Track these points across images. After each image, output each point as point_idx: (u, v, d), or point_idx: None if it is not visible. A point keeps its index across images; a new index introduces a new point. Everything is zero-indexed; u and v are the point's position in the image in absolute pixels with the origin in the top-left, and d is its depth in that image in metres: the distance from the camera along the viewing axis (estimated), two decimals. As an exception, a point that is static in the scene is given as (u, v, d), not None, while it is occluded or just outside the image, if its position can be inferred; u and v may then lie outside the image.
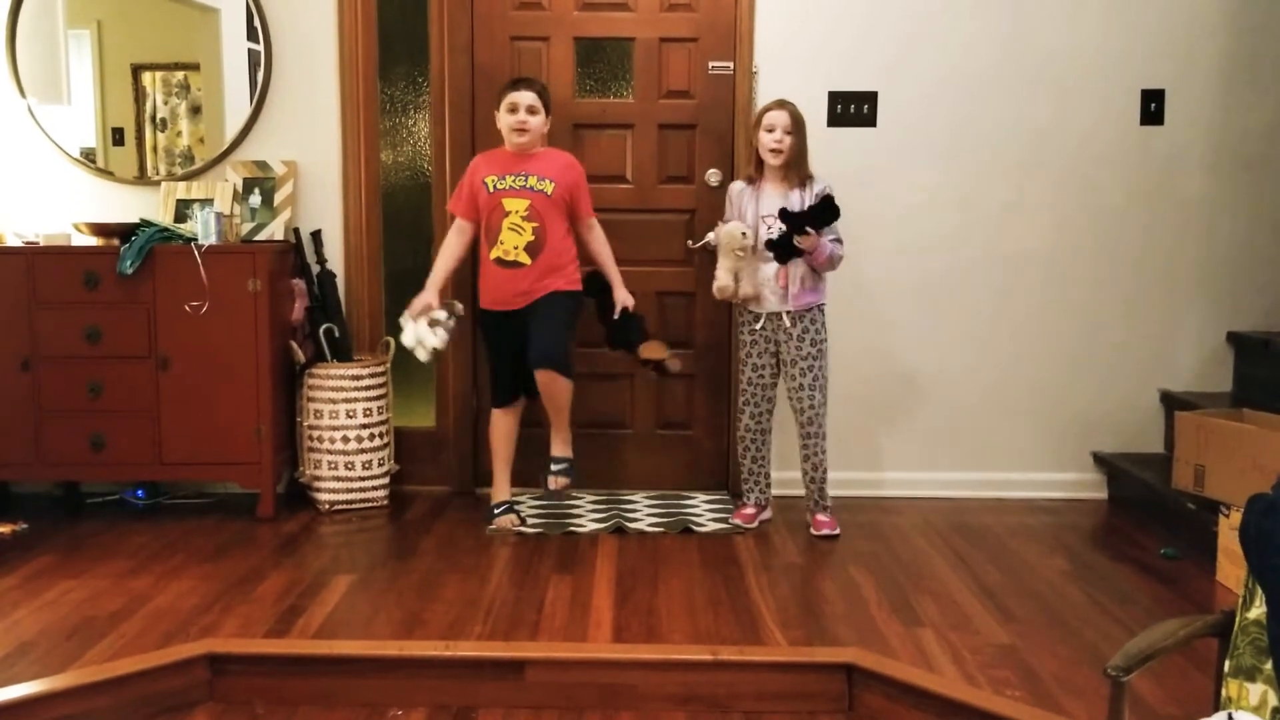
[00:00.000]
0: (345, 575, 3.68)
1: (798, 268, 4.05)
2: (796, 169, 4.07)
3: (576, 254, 4.18)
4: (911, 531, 4.22)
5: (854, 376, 4.65)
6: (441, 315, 4.08)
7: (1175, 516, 4.11)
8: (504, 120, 4.08)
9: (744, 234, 4.03)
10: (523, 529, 4.19)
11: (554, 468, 4.22)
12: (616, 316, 4.22)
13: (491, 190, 4.08)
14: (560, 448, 4.22)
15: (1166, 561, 3.88)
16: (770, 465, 4.33)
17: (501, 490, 4.31)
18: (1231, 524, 3.51)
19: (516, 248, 4.06)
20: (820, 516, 4.19)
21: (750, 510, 4.29)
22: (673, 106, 4.63)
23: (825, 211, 3.95)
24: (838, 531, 4.13)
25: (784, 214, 3.98)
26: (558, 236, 4.09)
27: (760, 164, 4.11)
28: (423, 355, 4.06)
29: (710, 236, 4.28)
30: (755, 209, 4.10)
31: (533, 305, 4.07)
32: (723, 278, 4.09)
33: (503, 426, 4.30)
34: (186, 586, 3.55)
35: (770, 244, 4.02)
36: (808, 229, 3.94)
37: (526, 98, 4.04)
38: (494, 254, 4.08)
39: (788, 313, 4.09)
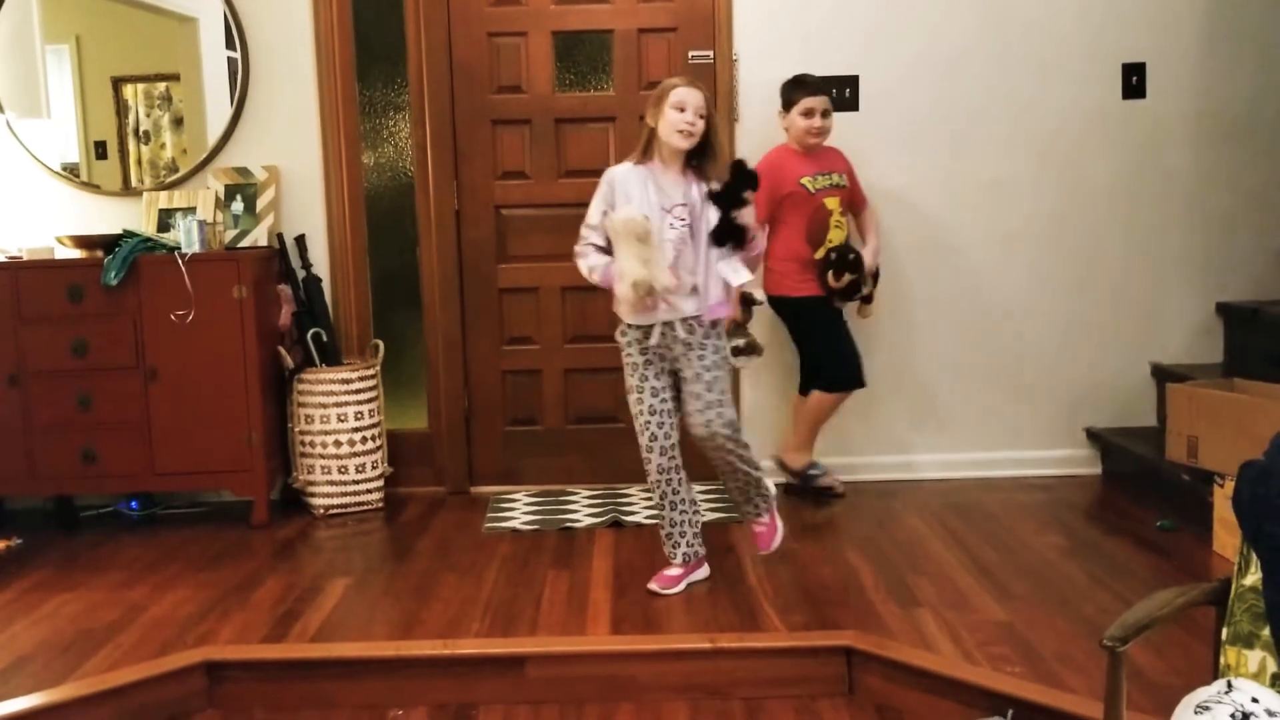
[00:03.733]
0: (341, 578, 3.67)
1: (714, 267, 3.39)
2: (703, 163, 3.38)
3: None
4: (906, 513, 4.22)
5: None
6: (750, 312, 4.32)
7: (1170, 489, 4.12)
8: (798, 123, 4.23)
9: (645, 215, 3.28)
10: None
11: (813, 472, 4.51)
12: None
13: (813, 191, 4.24)
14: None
15: (1163, 534, 3.88)
16: (698, 507, 3.59)
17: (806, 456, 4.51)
18: (1226, 494, 3.51)
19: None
20: (759, 522, 3.61)
21: (677, 572, 3.50)
22: (653, 98, 4.61)
23: (746, 175, 3.36)
24: (777, 541, 3.61)
25: (713, 195, 3.34)
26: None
27: (650, 148, 3.38)
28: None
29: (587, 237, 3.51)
30: (653, 199, 3.35)
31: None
32: (635, 269, 3.24)
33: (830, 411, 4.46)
34: (183, 595, 3.54)
35: (716, 234, 3.35)
36: (745, 195, 3.34)
37: (823, 102, 4.23)
38: (821, 254, 4.26)
39: (684, 320, 3.37)
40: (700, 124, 3.32)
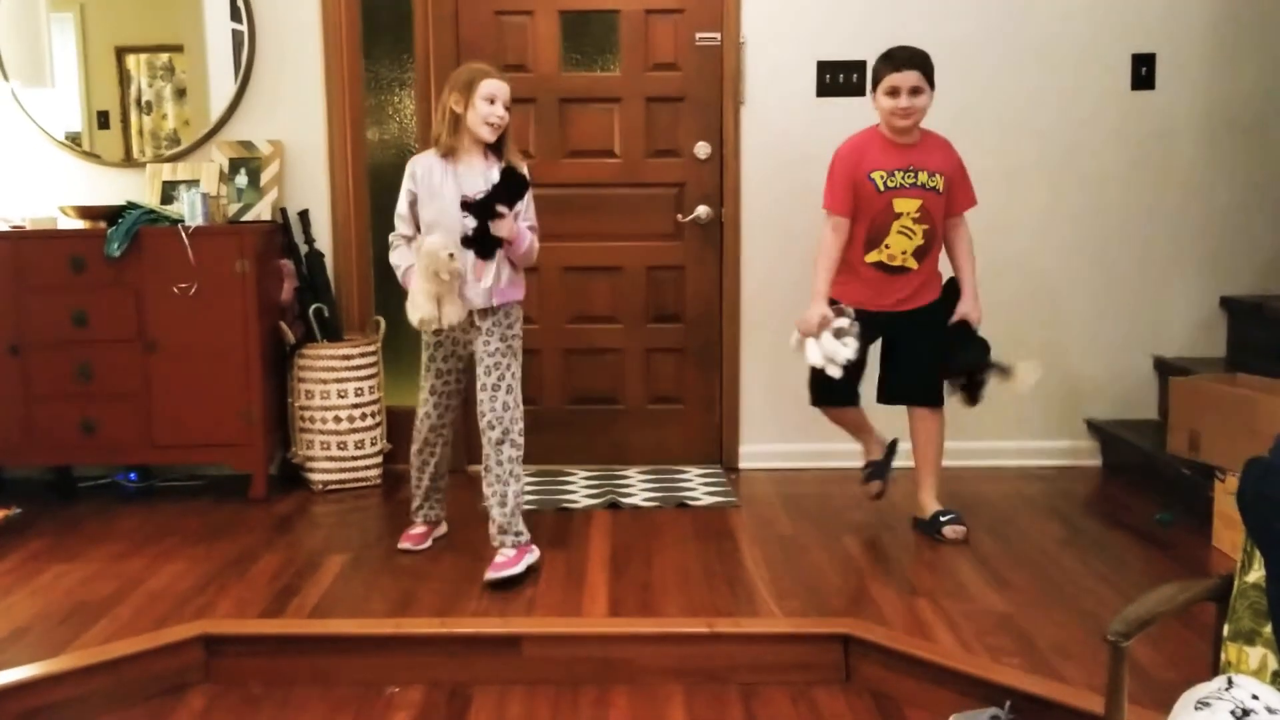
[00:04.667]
0: (339, 554, 3.67)
1: (496, 261, 3.41)
2: (503, 147, 3.43)
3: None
4: (905, 501, 4.20)
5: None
6: (844, 323, 3.62)
7: (1170, 482, 4.11)
8: (883, 104, 3.61)
9: (450, 254, 3.29)
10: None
11: (943, 519, 3.76)
12: (951, 322, 3.74)
13: (882, 189, 3.62)
14: (934, 500, 3.82)
15: (1162, 527, 3.88)
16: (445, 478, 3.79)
17: (874, 450, 4.02)
18: (1227, 488, 3.51)
19: (905, 253, 3.66)
20: (502, 554, 3.43)
21: (421, 530, 3.75)
22: (660, 79, 4.59)
23: (512, 184, 3.36)
24: (515, 570, 3.37)
25: (466, 204, 3.34)
26: (941, 237, 3.72)
27: (457, 134, 3.38)
28: (836, 371, 3.62)
29: (399, 260, 3.53)
30: (454, 190, 3.37)
31: (910, 315, 3.73)
32: (424, 305, 3.33)
33: (852, 417, 3.93)
34: (180, 568, 3.54)
35: (466, 241, 3.35)
36: (499, 209, 3.33)
37: (911, 78, 3.52)
38: (873, 258, 3.68)
39: (480, 310, 3.44)
40: (507, 117, 3.37)
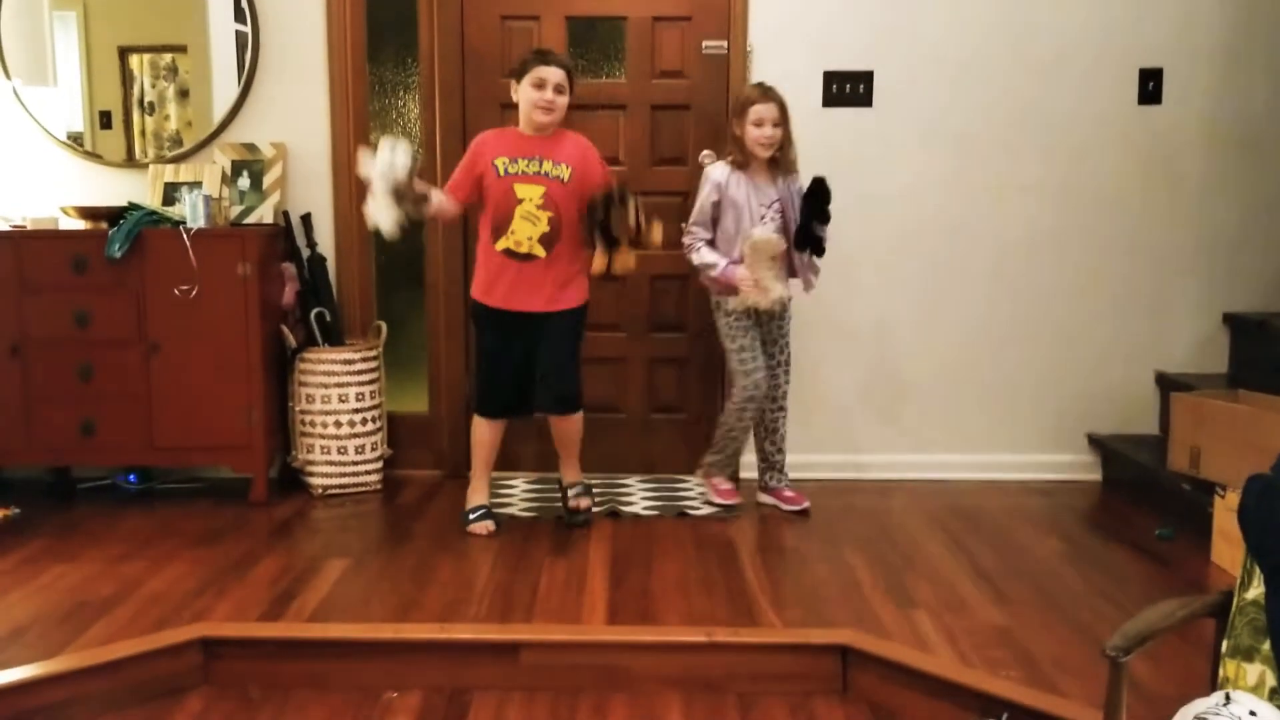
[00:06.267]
0: (339, 559, 3.66)
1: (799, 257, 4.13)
2: (784, 157, 4.05)
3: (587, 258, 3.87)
4: (905, 514, 4.21)
5: (847, 358, 4.64)
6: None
7: (1170, 498, 4.11)
8: (527, 95, 3.76)
9: (779, 240, 4.02)
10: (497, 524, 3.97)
11: (571, 491, 4.11)
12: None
13: (502, 174, 3.78)
14: (575, 474, 4.15)
15: (1161, 543, 3.87)
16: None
17: (479, 494, 4.04)
18: (1227, 505, 3.51)
19: (530, 239, 3.78)
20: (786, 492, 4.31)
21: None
22: (666, 87, 4.60)
23: (826, 191, 4.00)
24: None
25: (808, 203, 4.01)
26: (573, 229, 3.83)
27: (744, 150, 4.04)
28: (388, 222, 3.60)
29: (706, 256, 4.07)
30: (754, 200, 4.04)
31: (548, 319, 3.86)
32: (777, 287, 4.02)
33: (490, 436, 4.02)
34: (180, 571, 3.53)
35: (801, 238, 4.06)
36: (818, 213, 4.01)
37: (556, 75, 3.75)
38: (502, 244, 3.80)
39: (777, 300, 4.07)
40: (778, 133, 4.00)
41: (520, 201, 3.78)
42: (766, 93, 3.98)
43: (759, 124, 3.95)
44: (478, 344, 4.06)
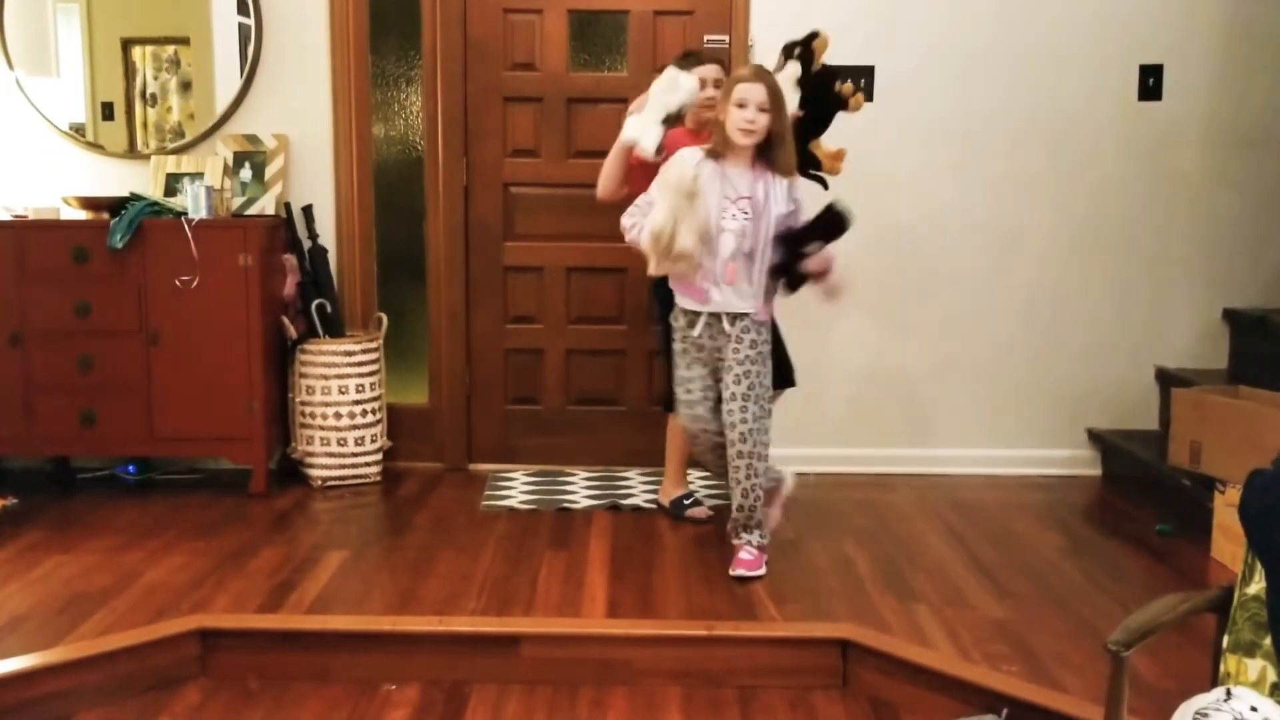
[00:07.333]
0: (338, 551, 3.66)
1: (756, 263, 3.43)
2: (771, 153, 3.41)
3: None
4: (906, 508, 4.21)
5: (848, 353, 4.64)
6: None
7: (1170, 493, 4.11)
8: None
9: (695, 176, 3.33)
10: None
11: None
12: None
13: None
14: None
15: (1161, 538, 3.87)
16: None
17: (680, 485, 4.12)
18: (1227, 500, 3.51)
19: None
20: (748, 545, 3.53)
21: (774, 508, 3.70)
22: (667, 80, 4.58)
23: (834, 222, 3.41)
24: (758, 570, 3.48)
25: (782, 238, 3.42)
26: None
27: (723, 135, 3.41)
28: (650, 140, 3.60)
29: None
30: (718, 190, 3.39)
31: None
32: (663, 218, 3.32)
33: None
34: (178, 562, 3.53)
35: (776, 272, 3.44)
36: (808, 245, 3.39)
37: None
38: None
39: (730, 315, 3.45)
40: (763, 118, 3.35)
41: None
42: (758, 73, 3.41)
43: (742, 105, 3.34)
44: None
